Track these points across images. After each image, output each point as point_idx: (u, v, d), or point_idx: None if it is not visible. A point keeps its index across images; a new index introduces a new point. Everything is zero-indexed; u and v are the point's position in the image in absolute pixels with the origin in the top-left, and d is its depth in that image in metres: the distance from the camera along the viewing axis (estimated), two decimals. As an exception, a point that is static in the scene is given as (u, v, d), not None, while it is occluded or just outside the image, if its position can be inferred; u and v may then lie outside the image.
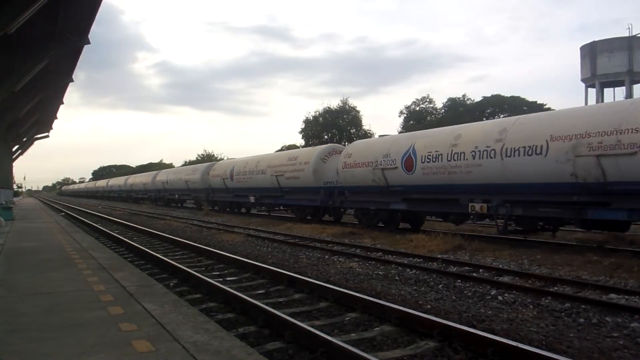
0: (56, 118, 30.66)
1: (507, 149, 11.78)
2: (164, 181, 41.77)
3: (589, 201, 10.65)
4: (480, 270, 9.34)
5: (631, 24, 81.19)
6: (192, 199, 37.50)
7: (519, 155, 11.50)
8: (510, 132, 11.97)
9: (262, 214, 28.08)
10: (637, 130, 9.35)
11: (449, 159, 13.35)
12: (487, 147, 12.31)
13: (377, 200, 16.54)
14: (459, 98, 62.12)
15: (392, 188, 15.66)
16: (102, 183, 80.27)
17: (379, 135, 22.68)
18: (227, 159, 46.60)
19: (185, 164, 70.84)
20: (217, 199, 30.82)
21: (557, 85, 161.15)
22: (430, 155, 13.98)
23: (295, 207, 22.58)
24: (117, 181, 66.78)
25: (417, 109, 63.35)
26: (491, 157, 12.17)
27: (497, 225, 12.69)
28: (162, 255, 11.11)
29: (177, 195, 39.72)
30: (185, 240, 14.16)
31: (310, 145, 48.57)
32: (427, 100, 63.66)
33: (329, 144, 24.27)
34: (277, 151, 39.34)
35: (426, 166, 14.09)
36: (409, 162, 14.75)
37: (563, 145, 10.58)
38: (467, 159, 12.82)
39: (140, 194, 51.60)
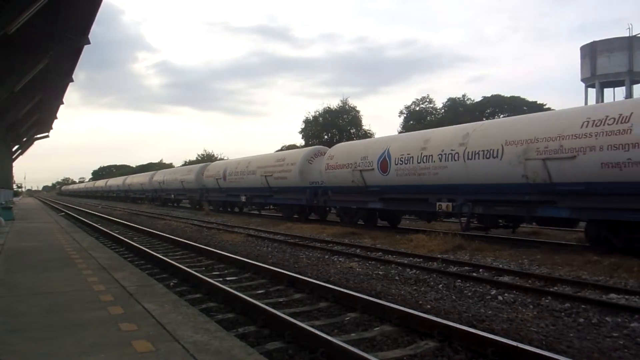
0: (56, 118, 30.68)
1: (469, 152, 12.94)
2: (160, 181, 42.78)
3: (538, 200, 11.74)
4: (480, 270, 9.35)
5: (631, 24, 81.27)
6: (187, 198, 38.56)
7: (479, 158, 12.68)
8: (472, 137, 13.13)
9: (255, 212, 28.79)
10: (576, 137, 10.54)
11: (419, 161, 14.54)
12: (452, 150, 13.44)
13: (357, 199, 17.72)
14: (458, 98, 62.20)
15: (369, 188, 16.78)
16: (101, 183, 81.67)
17: (365, 137, 24.17)
18: (225, 159, 46.71)
19: (185, 163, 71.06)
20: (211, 198, 31.81)
21: (557, 85, 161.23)
22: (403, 158, 15.16)
23: (283, 206, 23.64)
24: (115, 181, 67.91)
25: (417, 109, 63.39)
26: (455, 160, 13.29)
27: (461, 222, 13.84)
28: (162, 255, 11.11)
29: (173, 195, 40.89)
30: (185, 240, 14.16)
31: (310, 146, 48.72)
32: (427, 100, 63.77)
33: (315, 146, 25.21)
34: (276, 151, 39.78)
35: (399, 168, 15.27)
36: (384, 164, 15.90)
37: (516, 150, 11.76)
38: (434, 162, 14.01)
39: (138, 193, 52.57)
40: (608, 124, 10.19)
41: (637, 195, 9.78)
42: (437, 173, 13.92)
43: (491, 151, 12.36)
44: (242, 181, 26.45)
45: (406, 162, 14.99)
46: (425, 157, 14.30)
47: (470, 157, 12.87)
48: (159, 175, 44.60)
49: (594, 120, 10.47)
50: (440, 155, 13.76)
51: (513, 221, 13.22)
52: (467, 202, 13.24)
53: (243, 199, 26.74)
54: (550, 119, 12.01)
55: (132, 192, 54.90)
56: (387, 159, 15.75)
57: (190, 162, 70.71)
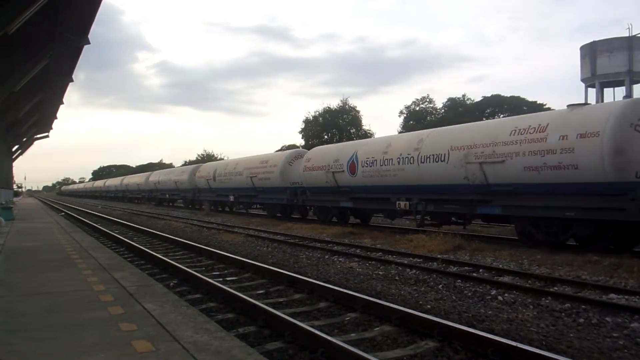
0: (56, 118, 30.71)
1: (422, 156, 14.51)
2: (156, 182, 44.31)
3: (478, 199, 13.20)
4: (480, 270, 9.35)
5: (631, 24, 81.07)
6: (181, 198, 40.07)
7: (430, 162, 14.25)
8: (425, 142, 14.67)
9: (252, 212, 29.66)
10: (505, 144, 12.14)
11: (381, 164, 16.09)
12: (408, 154, 15.01)
13: (331, 199, 19.34)
14: (458, 98, 62.25)
15: (341, 188, 18.54)
16: (99, 183, 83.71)
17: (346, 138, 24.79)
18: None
19: (185, 163, 71.53)
20: (202, 198, 33.55)
21: (557, 85, 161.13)
22: (368, 161, 16.74)
23: (267, 205, 25.54)
24: (113, 182, 69.65)
25: (417, 109, 63.45)
26: (411, 163, 14.87)
27: (416, 219, 15.18)
28: (162, 255, 11.11)
29: (167, 195, 42.43)
30: (185, 240, 14.16)
31: (309, 145, 48.98)
32: (427, 100, 63.85)
33: (296, 149, 26.65)
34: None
35: (365, 170, 16.85)
36: (352, 167, 17.54)
37: (459, 154, 13.27)
38: (394, 164, 15.57)
39: (135, 193, 53.93)
40: (530, 133, 11.69)
41: (552, 195, 11.42)
42: (396, 175, 15.51)
43: (439, 155, 13.90)
44: (230, 182, 28.01)
45: (371, 164, 16.61)
46: (386, 161, 15.91)
47: (422, 161, 14.46)
48: (155, 176, 46.10)
49: (520, 129, 11.94)
50: (398, 159, 15.40)
51: (462, 218, 14.36)
52: (421, 201, 14.75)
53: (231, 198, 28.24)
54: (488, 127, 14.01)
55: (129, 192, 56.19)
56: (355, 162, 17.40)
57: (190, 162, 71.21)
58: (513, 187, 12.18)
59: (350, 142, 21.37)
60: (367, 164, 16.77)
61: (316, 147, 23.33)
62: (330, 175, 18.69)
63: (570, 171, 10.86)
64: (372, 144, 18.01)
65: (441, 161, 13.81)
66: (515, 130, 12.04)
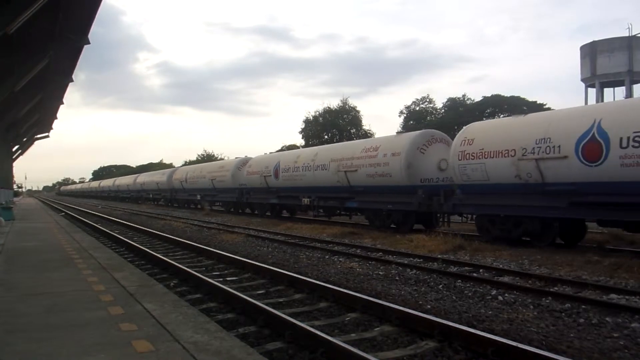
0: (56, 118, 30.66)
1: (316, 165, 20.05)
2: (142, 183, 49.94)
3: (345, 196, 18.59)
4: (481, 270, 9.34)
5: (631, 24, 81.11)
6: (161, 197, 45.25)
7: (320, 170, 19.76)
8: (317, 156, 20.34)
9: (227, 211, 31.80)
10: (359, 158, 17.62)
11: (293, 170, 21.76)
12: (308, 164, 20.58)
13: (264, 197, 24.89)
14: (459, 98, 62.18)
15: (270, 189, 24.08)
16: (95, 184, 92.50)
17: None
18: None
19: (185, 163, 72.18)
20: (178, 197, 39.43)
21: (557, 85, 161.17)
22: (286, 168, 22.43)
23: (224, 202, 31.36)
24: (107, 182, 77.27)
25: (417, 109, 63.37)
26: (309, 171, 20.43)
27: (313, 211, 20.94)
28: (163, 255, 11.11)
29: (151, 195, 47.73)
30: (185, 240, 14.16)
31: (310, 146, 49.23)
32: (427, 100, 63.76)
33: (242, 158, 29.99)
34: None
35: (284, 175, 22.52)
36: (277, 172, 23.10)
37: (335, 165, 18.78)
38: (300, 171, 21.10)
39: (125, 193, 59.75)
40: (370, 151, 17.26)
41: (381, 194, 16.85)
42: (301, 179, 21.01)
43: (325, 165, 19.47)
44: (197, 183, 33.80)
45: (287, 171, 22.28)
46: (296, 168, 21.51)
47: (316, 169, 20.01)
48: (141, 178, 51.74)
49: (365, 148, 17.63)
50: (302, 167, 20.96)
51: (348, 212, 20.08)
52: (316, 198, 20.18)
53: (198, 197, 33.92)
54: (351, 146, 19.76)
55: (121, 192, 61.96)
56: (278, 169, 23.00)
57: (190, 162, 72.15)
58: (363, 188, 17.57)
59: (277, 153, 27.83)
60: (285, 170, 22.43)
61: (256, 156, 27.85)
62: (263, 179, 24.31)
63: (388, 178, 16.30)
64: (288, 156, 23.71)
65: (325, 170, 19.34)
66: (364, 149, 17.66)
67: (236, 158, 30.56)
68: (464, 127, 14.46)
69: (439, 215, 15.22)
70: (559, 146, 11.04)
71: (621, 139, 9.87)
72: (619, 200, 10.21)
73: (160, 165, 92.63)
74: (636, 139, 9.66)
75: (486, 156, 12.64)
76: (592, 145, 10.40)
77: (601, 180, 10.32)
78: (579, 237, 12.35)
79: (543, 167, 11.38)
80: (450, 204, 14.16)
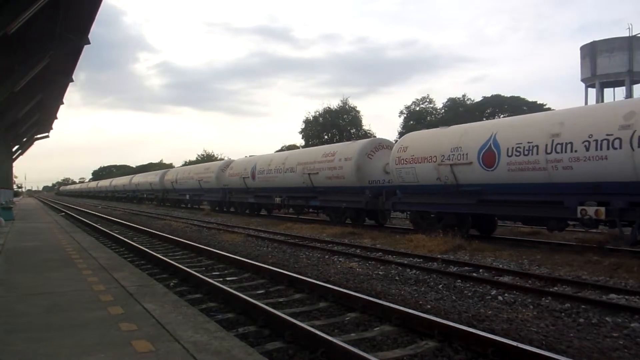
0: (56, 118, 30.62)
1: (285, 168, 22.66)
2: (136, 183, 52.97)
3: (309, 196, 21.07)
4: (481, 270, 9.34)
5: (631, 24, 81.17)
6: (154, 197, 47.65)
7: (289, 172, 22.27)
8: (287, 160, 23.03)
9: (213, 210, 34.08)
10: (319, 162, 20.13)
11: (267, 173, 24.37)
12: (279, 167, 23.30)
13: (244, 196, 27.58)
14: (459, 98, 62.20)
15: (248, 189, 26.69)
16: (93, 184, 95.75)
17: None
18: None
19: (185, 164, 72.64)
20: (169, 197, 42.21)
21: (557, 85, 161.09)
22: (261, 170, 24.93)
23: (209, 202, 33.84)
24: (104, 183, 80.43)
25: (417, 109, 63.37)
26: (280, 173, 23.07)
27: (283, 210, 25.20)
28: (162, 255, 11.11)
29: (145, 195, 50.56)
30: (185, 240, 14.16)
31: (309, 145, 49.35)
32: (427, 100, 63.76)
33: (225, 160, 33.39)
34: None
35: (260, 176, 25.10)
36: (253, 174, 25.65)
37: (301, 168, 21.15)
38: (272, 173, 23.87)
39: (121, 193, 62.31)
40: (328, 156, 19.80)
41: (338, 193, 19.29)
42: (274, 180, 23.76)
43: (293, 168, 21.94)
44: (186, 184, 36.60)
45: (262, 173, 24.94)
46: (269, 170, 24.23)
47: (286, 172, 22.52)
48: (136, 179, 54.73)
49: (325, 153, 20.24)
50: (275, 170, 23.61)
51: (309, 208, 22.92)
52: (286, 197, 22.70)
53: (187, 197, 36.95)
54: (314, 151, 22.24)
55: (117, 192, 64.67)
56: (255, 171, 25.58)
57: (190, 162, 72.69)
58: (324, 189, 19.99)
59: (255, 156, 28.50)
60: (260, 172, 24.87)
61: (237, 159, 30.67)
62: (242, 180, 26.85)
63: (342, 179, 18.76)
64: (263, 159, 25.91)
65: (293, 172, 21.72)
66: (324, 154, 20.27)
67: (285, 149, 32.45)
68: (402, 137, 17.28)
69: (389, 211, 17.77)
70: (467, 154, 13.20)
71: (508, 149, 12.08)
72: (508, 199, 12.48)
73: (160, 165, 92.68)
74: (517, 149, 11.85)
75: (416, 162, 14.88)
76: (489, 154, 12.59)
77: (496, 182, 12.52)
78: (492, 229, 14.79)
79: (456, 171, 13.51)
80: (391, 202, 16.45)
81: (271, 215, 26.78)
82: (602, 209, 10.29)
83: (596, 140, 10.27)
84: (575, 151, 10.63)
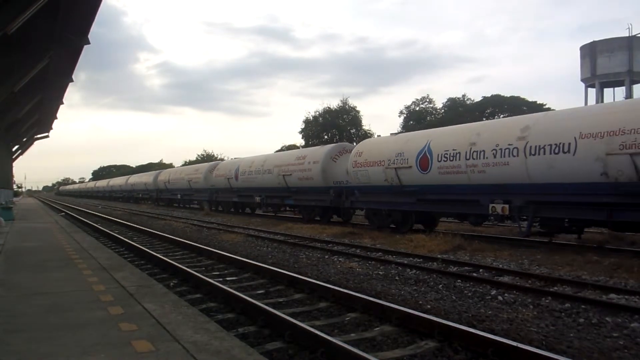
0: (56, 118, 30.60)
1: (263, 170, 24.69)
2: (132, 183, 55.49)
3: (285, 195, 23.10)
4: (481, 270, 9.34)
5: (631, 24, 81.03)
6: (148, 197, 49.86)
7: (267, 174, 24.15)
8: (266, 162, 24.94)
9: (201, 208, 36.10)
10: (292, 165, 22.17)
11: (248, 174, 26.31)
12: (259, 169, 25.14)
13: (229, 195, 29.69)
14: (458, 98, 62.18)
15: (232, 189, 28.68)
16: (91, 184, 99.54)
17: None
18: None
19: (185, 164, 72.93)
20: (162, 196, 44.68)
21: (558, 85, 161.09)
22: (243, 171, 26.74)
23: (200, 202, 36.33)
24: (102, 183, 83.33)
25: (417, 109, 63.36)
26: (260, 174, 25.01)
27: (262, 208, 26.95)
28: (162, 255, 11.11)
29: (140, 195, 52.77)
30: (185, 240, 14.16)
31: (309, 145, 49.49)
32: (427, 100, 63.75)
33: (211, 162, 35.97)
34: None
35: (242, 177, 26.92)
36: (236, 175, 27.59)
37: (277, 169, 23.18)
38: (254, 175, 25.78)
39: (118, 193, 64.69)
40: (299, 159, 21.75)
41: (307, 193, 21.28)
42: (254, 181, 25.69)
43: (269, 170, 23.88)
44: (177, 184, 39.27)
45: (243, 174, 26.87)
46: (251, 172, 26.10)
47: (264, 173, 24.43)
48: (132, 179, 57.25)
49: (297, 157, 22.27)
50: (255, 171, 25.57)
51: (285, 207, 25.01)
52: (265, 197, 24.93)
53: (179, 196, 39.72)
54: (287, 154, 24.73)
55: (114, 192, 67.09)
56: (238, 172, 27.42)
57: (190, 162, 73.02)
58: (296, 189, 21.82)
59: (238, 159, 30.89)
60: (242, 174, 26.91)
61: (223, 162, 33.83)
62: (227, 181, 28.93)
63: (311, 180, 20.57)
64: (246, 161, 27.93)
65: (271, 174, 23.71)
66: (296, 157, 22.29)
67: (285, 149, 33.60)
68: (358, 144, 20.05)
69: (351, 210, 20.09)
70: (408, 159, 15.03)
71: (439, 155, 13.91)
72: (440, 198, 14.41)
73: (160, 165, 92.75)
74: (445, 155, 13.66)
75: (369, 165, 16.70)
76: (425, 159, 14.44)
77: (430, 183, 14.39)
78: (434, 225, 16.31)
79: (400, 174, 15.32)
80: (349, 200, 18.51)
81: (255, 214, 28.76)
82: (507, 206, 12.23)
83: (501, 149, 12.15)
84: (487, 158, 12.49)
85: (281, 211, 26.46)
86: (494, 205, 12.49)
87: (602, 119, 10.44)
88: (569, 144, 10.63)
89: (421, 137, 15.39)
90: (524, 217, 12.21)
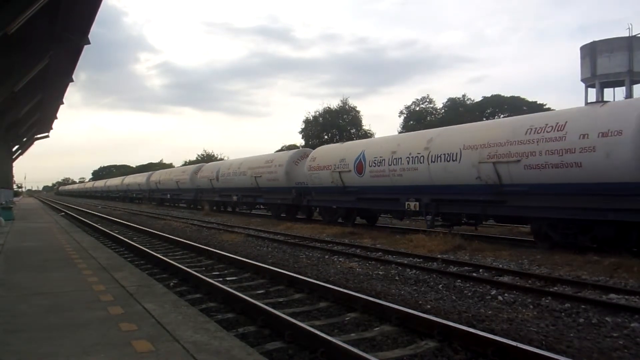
0: (56, 118, 30.62)
1: (240, 172, 26.99)
2: (128, 184, 58.15)
3: (257, 195, 25.49)
4: (480, 270, 9.35)
5: (631, 24, 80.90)
6: (141, 196, 51.94)
7: (242, 175, 26.76)
8: (242, 164, 27.46)
9: (189, 208, 39.07)
10: (260, 167, 24.79)
11: (227, 176, 28.91)
12: (236, 170, 27.61)
13: (212, 195, 31.92)
14: (459, 98, 62.20)
15: (214, 189, 31.15)
16: (90, 184, 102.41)
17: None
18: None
19: (185, 164, 72.95)
20: (154, 196, 47.17)
21: (558, 85, 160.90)
22: (223, 173, 29.51)
23: (185, 201, 39.39)
24: (99, 183, 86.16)
25: (417, 109, 63.38)
26: (237, 175, 27.41)
27: (238, 207, 30.18)
28: (162, 255, 11.11)
29: (135, 194, 54.95)
30: (185, 240, 14.16)
31: (309, 146, 49.55)
32: (427, 100, 63.76)
33: (198, 164, 37.98)
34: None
35: (222, 179, 29.43)
36: (217, 176, 30.05)
37: (251, 171, 25.61)
38: (231, 176, 28.29)
39: (114, 193, 67.09)
40: (268, 162, 24.42)
41: (273, 193, 23.93)
42: (232, 181, 28.07)
43: (245, 172, 26.44)
44: (167, 184, 41.97)
45: (223, 175, 29.38)
46: (229, 173, 28.67)
47: (240, 175, 26.90)
48: (127, 180, 60.05)
49: (267, 161, 24.72)
50: (233, 173, 27.98)
51: (257, 205, 27.50)
52: (242, 196, 27.40)
53: (168, 196, 42.60)
54: (260, 158, 25.96)
55: (111, 192, 69.34)
56: (218, 174, 30.13)
57: (190, 162, 72.92)
58: (266, 189, 24.46)
59: (220, 161, 34.26)
60: (222, 175, 29.48)
61: (207, 164, 37.04)
62: (209, 182, 31.41)
63: (277, 181, 23.14)
64: (225, 163, 31.19)
65: (245, 175, 26.20)
66: (265, 161, 24.71)
67: (285, 149, 34.72)
68: (314, 150, 22.20)
69: (313, 208, 22.50)
70: (348, 164, 17.94)
71: (370, 161, 16.81)
72: (373, 197, 17.28)
73: (160, 165, 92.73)
74: (374, 161, 16.57)
75: (320, 169, 19.51)
76: (360, 164, 17.33)
77: (365, 185, 17.32)
78: (374, 220, 19.68)
79: (342, 176, 18.20)
80: (307, 199, 21.16)
81: (234, 211, 31.49)
82: (417, 203, 14.89)
83: (413, 157, 14.88)
84: (403, 164, 15.24)
85: (255, 209, 29.82)
86: (409, 202, 15.11)
87: (478, 134, 13.07)
88: (456, 153, 13.36)
89: (358, 146, 18.54)
90: (430, 213, 14.55)
